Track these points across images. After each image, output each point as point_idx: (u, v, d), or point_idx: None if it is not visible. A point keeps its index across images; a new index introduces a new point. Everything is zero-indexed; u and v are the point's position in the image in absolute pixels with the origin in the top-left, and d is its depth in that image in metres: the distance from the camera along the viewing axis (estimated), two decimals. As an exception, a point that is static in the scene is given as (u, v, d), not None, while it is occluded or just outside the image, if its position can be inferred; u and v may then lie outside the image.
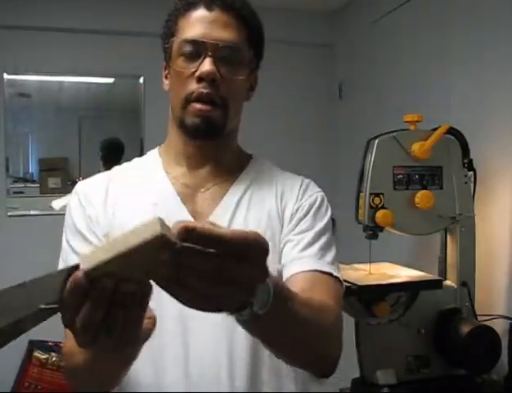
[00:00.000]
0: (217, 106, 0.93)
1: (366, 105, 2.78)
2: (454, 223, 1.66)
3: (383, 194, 1.60)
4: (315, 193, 1.03)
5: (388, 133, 1.63)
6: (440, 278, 1.69)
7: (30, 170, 3.03)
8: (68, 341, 0.84)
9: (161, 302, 0.89)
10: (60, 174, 2.98)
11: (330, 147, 3.12)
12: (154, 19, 3.04)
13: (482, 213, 1.75)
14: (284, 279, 0.92)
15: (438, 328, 1.61)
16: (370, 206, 1.59)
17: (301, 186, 1.04)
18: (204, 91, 0.92)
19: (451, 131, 1.69)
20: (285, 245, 0.98)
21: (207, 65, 0.92)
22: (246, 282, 0.54)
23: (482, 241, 1.73)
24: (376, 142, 1.61)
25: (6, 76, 2.84)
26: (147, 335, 0.63)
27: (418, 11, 2.32)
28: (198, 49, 0.93)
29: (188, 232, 0.50)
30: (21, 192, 2.94)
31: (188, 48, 0.94)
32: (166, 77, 1.03)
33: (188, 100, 0.93)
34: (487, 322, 1.62)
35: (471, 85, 1.96)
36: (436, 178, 1.65)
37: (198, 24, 0.94)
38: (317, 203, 1.02)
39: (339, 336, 0.90)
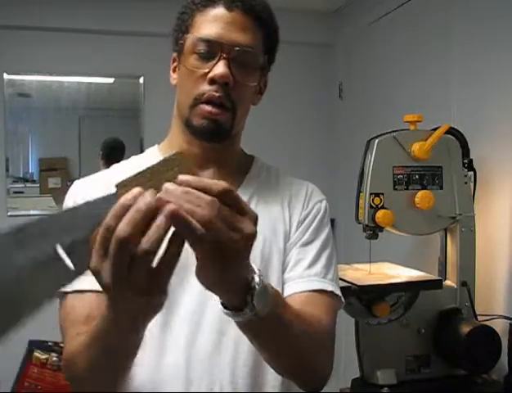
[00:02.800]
0: (226, 110, 0.91)
1: (365, 105, 2.78)
2: (454, 223, 1.66)
3: (383, 194, 1.60)
4: (319, 201, 1.03)
5: (388, 133, 1.63)
6: (440, 278, 1.69)
7: (30, 170, 3.03)
8: (68, 343, 0.83)
9: (170, 303, 0.89)
10: (60, 174, 2.98)
11: (329, 147, 3.12)
12: (155, 19, 3.05)
13: (482, 213, 1.75)
14: (285, 295, 0.93)
15: (438, 328, 1.61)
16: (370, 206, 1.59)
17: (306, 192, 1.03)
18: (216, 94, 0.89)
19: (451, 131, 1.69)
20: (289, 257, 0.97)
21: (221, 68, 0.88)
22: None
23: (482, 241, 1.72)
24: (376, 142, 1.61)
25: (6, 76, 2.84)
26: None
27: (418, 10, 2.32)
28: (213, 49, 0.90)
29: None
30: (21, 192, 2.94)
31: (203, 47, 0.90)
32: (174, 70, 0.99)
33: (197, 100, 0.91)
34: (487, 322, 1.62)
35: (471, 85, 1.96)
36: (436, 178, 1.65)
37: (215, 23, 0.90)
38: (322, 212, 1.02)
39: (329, 352, 0.91)
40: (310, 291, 0.93)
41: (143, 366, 0.88)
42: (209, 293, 0.90)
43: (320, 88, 3.14)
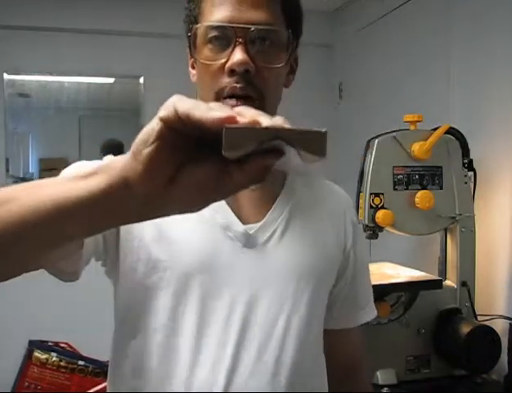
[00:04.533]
0: (253, 101, 0.80)
1: (366, 105, 2.78)
2: (454, 223, 1.66)
3: (383, 194, 1.60)
4: (354, 215, 1.00)
5: (388, 133, 1.63)
6: (440, 278, 1.69)
7: (30, 170, 3.03)
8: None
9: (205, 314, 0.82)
10: (60, 174, 2.98)
11: (330, 147, 3.11)
12: (155, 19, 3.05)
13: (482, 213, 1.75)
14: (347, 326, 1.01)
15: (438, 328, 1.61)
16: (370, 206, 1.59)
17: (345, 209, 0.97)
18: (238, 85, 0.79)
19: (451, 131, 1.69)
20: (349, 286, 0.98)
21: (238, 55, 0.78)
22: None
23: (482, 241, 1.72)
24: (376, 142, 1.61)
25: (6, 76, 2.85)
26: None
27: (418, 10, 2.32)
28: (226, 36, 0.80)
29: None
30: (21, 192, 2.94)
31: (214, 35, 0.80)
32: (193, 66, 0.89)
33: (219, 96, 0.81)
34: (487, 322, 1.62)
35: (471, 85, 1.96)
36: (436, 178, 1.65)
37: (225, 6, 0.80)
38: (359, 227, 1.01)
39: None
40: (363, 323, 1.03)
41: (174, 379, 0.80)
42: (257, 295, 0.83)
43: (320, 88, 3.14)
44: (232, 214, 0.85)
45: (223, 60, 0.80)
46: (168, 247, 0.82)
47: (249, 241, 0.84)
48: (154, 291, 0.82)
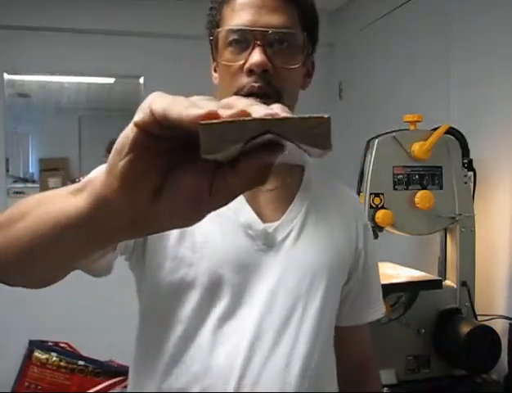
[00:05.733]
0: (271, 100, 0.83)
1: (366, 105, 2.78)
2: (454, 223, 1.66)
3: (383, 194, 1.60)
4: (365, 218, 1.04)
5: (388, 133, 1.63)
6: (440, 278, 1.69)
7: (30, 170, 3.03)
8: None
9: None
10: (61, 174, 2.98)
11: (330, 147, 3.11)
12: (155, 19, 3.04)
13: (482, 213, 1.75)
14: (357, 322, 1.04)
15: (438, 328, 1.61)
16: (370, 206, 1.59)
17: (356, 214, 1.00)
18: (256, 85, 0.84)
19: (451, 131, 1.69)
20: (359, 284, 1.00)
21: (257, 56, 0.83)
22: None
23: (482, 241, 1.73)
24: (376, 142, 1.61)
25: (6, 76, 2.85)
26: None
27: (418, 11, 2.33)
28: (246, 38, 0.85)
29: None
30: (21, 192, 2.95)
31: (235, 38, 0.86)
32: (215, 70, 0.95)
33: (238, 95, 0.83)
34: (486, 322, 1.62)
35: (471, 85, 1.96)
36: (436, 178, 1.65)
37: (244, 10, 0.86)
38: (370, 230, 1.04)
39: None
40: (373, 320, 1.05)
41: (191, 365, 0.85)
42: (274, 290, 0.87)
43: (320, 87, 3.14)
44: (253, 213, 0.89)
45: (242, 61, 0.85)
46: (192, 245, 0.86)
47: (267, 240, 0.89)
48: (179, 286, 0.86)
